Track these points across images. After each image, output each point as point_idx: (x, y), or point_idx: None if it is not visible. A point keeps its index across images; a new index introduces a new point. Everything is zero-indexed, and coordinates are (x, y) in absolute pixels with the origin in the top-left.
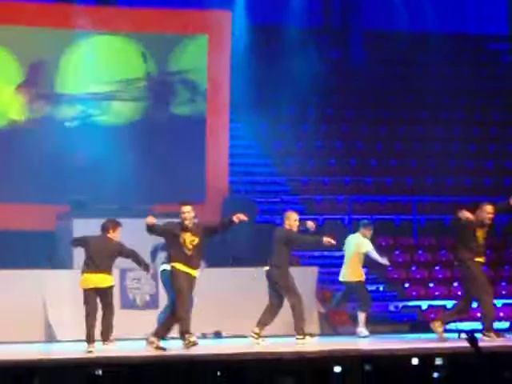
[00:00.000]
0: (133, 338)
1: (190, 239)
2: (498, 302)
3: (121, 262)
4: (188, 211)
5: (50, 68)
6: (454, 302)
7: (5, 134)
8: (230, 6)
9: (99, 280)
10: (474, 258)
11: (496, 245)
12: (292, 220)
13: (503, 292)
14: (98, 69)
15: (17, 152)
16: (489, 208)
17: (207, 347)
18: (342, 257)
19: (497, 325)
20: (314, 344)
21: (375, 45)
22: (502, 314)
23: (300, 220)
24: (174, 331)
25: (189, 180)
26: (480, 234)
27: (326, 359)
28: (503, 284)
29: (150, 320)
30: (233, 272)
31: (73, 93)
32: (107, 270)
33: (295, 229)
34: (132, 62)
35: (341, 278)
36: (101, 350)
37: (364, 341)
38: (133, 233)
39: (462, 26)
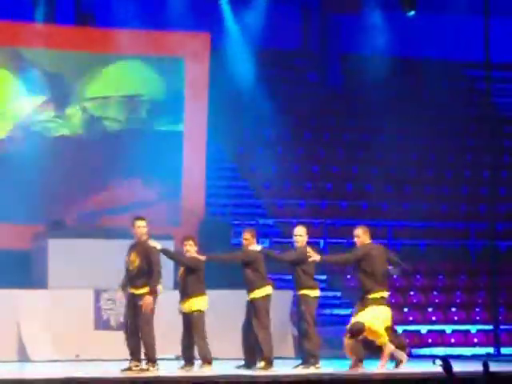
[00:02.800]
0: (106, 359)
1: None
2: (472, 328)
3: (95, 283)
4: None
5: None
6: (429, 326)
7: None
8: (210, 28)
9: None
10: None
11: (470, 271)
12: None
13: (477, 318)
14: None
15: None
16: (295, 230)
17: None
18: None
19: (471, 351)
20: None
21: (353, 68)
22: (476, 340)
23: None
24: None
25: (164, 202)
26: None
27: None
28: (477, 310)
29: (123, 341)
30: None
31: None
32: None
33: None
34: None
35: None
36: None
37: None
38: (110, 254)
39: (440, 51)
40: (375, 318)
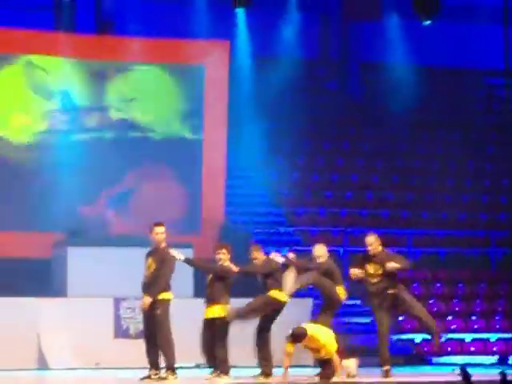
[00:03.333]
0: (125, 367)
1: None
2: (492, 336)
3: (115, 291)
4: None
5: None
6: (448, 335)
7: (4, 161)
8: (229, 36)
9: None
10: None
11: (490, 279)
12: None
13: (497, 326)
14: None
15: (15, 179)
16: (315, 250)
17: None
18: None
19: (491, 359)
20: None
21: (372, 77)
22: (495, 349)
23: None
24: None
25: (185, 209)
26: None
27: None
28: (497, 318)
29: (143, 349)
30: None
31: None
32: None
33: None
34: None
35: None
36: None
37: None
38: (129, 262)
39: (459, 59)
40: (321, 328)
